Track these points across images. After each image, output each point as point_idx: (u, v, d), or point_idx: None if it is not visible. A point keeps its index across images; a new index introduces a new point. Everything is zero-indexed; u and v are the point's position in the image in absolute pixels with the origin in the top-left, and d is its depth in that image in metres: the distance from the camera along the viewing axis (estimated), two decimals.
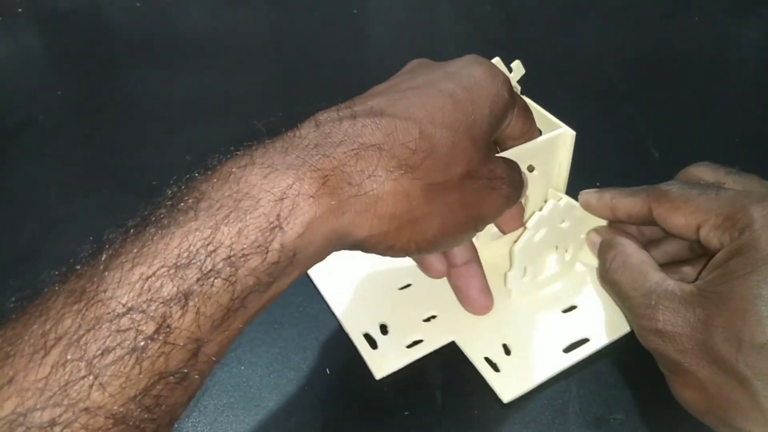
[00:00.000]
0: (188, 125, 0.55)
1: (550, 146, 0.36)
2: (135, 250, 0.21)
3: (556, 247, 0.38)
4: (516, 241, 0.36)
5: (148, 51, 0.65)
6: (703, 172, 0.35)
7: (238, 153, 0.25)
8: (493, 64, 0.32)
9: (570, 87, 0.59)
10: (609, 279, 0.35)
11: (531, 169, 0.36)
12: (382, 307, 0.39)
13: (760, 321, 0.27)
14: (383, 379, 0.36)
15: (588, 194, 0.38)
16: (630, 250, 0.34)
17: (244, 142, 0.26)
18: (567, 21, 0.71)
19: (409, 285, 0.40)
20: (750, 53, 0.66)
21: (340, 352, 0.38)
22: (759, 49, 0.67)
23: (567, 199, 0.37)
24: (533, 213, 0.36)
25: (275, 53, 0.65)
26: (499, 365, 0.36)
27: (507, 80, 0.31)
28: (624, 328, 0.38)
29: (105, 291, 0.20)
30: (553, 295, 0.40)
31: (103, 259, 0.22)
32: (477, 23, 0.71)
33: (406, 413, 0.35)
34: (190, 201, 0.23)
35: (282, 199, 0.23)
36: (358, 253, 0.28)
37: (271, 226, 0.22)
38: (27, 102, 0.58)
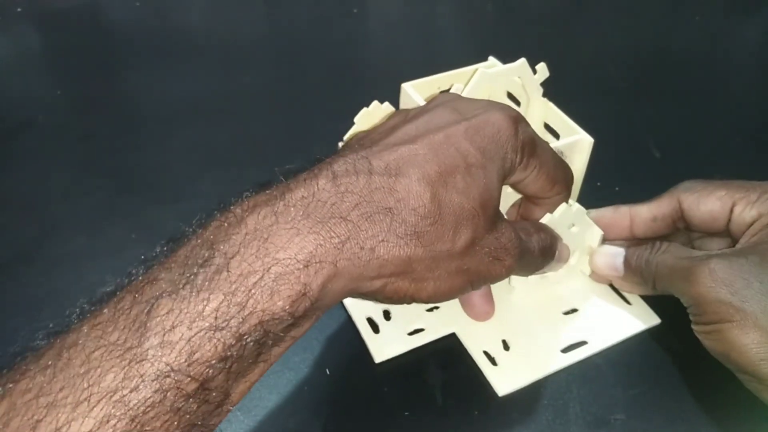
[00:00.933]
0: (188, 125, 0.55)
1: (567, 151, 0.35)
2: (174, 309, 0.23)
3: None
4: None
5: (148, 51, 0.65)
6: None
7: (260, 203, 0.26)
8: (513, 119, 0.31)
9: (570, 87, 0.59)
10: (654, 261, 0.35)
11: None
12: None
13: None
14: (383, 379, 0.36)
15: (601, 210, 0.39)
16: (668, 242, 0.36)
17: (266, 187, 0.27)
18: (567, 21, 0.71)
19: None
20: (750, 53, 0.66)
21: (340, 353, 0.38)
22: (759, 49, 0.67)
23: (578, 206, 0.37)
24: (545, 215, 0.36)
25: (275, 53, 0.65)
26: (497, 359, 0.37)
27: (517, 142, 0.30)
28: (622, 334, 0.38)
29: (148, 350, 0.22)
30: (555, 296, 0.40)
31: (145, 311, 0.23)
32: (477, 23, 0.71)
33: (406, 413, 0.35)
34: (219, 261, 0.24)
35: (307, 266, 0.24)
36: None
37: (299, 294, 0.24)
38: (27, 102, 0.58)
